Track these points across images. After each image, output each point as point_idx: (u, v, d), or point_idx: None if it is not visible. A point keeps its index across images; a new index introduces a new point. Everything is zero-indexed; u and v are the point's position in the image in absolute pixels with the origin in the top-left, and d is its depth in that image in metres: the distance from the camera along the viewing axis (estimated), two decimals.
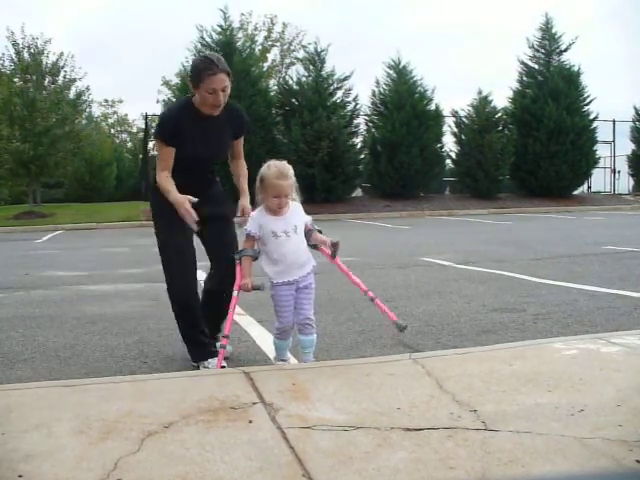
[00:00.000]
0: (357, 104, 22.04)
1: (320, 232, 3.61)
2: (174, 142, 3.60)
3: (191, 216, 3.42)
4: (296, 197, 3.52)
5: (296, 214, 3.51)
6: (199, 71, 3.47)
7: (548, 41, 23.75)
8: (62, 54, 21.96)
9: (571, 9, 62.01)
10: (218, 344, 3.57)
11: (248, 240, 3.50)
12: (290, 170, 3.42)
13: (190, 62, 16.85)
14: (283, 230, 3.43)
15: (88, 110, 25.93)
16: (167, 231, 3.71)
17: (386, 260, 8.69)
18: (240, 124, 3.80)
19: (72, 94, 22.69)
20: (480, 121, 22.29)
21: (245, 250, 3.51)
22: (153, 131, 3.89)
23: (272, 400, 2.79)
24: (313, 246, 3.59)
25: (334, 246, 3.55)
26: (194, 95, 3.59)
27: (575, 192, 24.35)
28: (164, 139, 3.61)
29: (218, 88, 3.46)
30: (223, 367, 3.44)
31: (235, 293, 3.50)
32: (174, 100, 4.07)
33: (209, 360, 3.64)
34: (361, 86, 48.82)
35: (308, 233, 3.55)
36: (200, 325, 3.76)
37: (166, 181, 3.58)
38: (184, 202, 3.44)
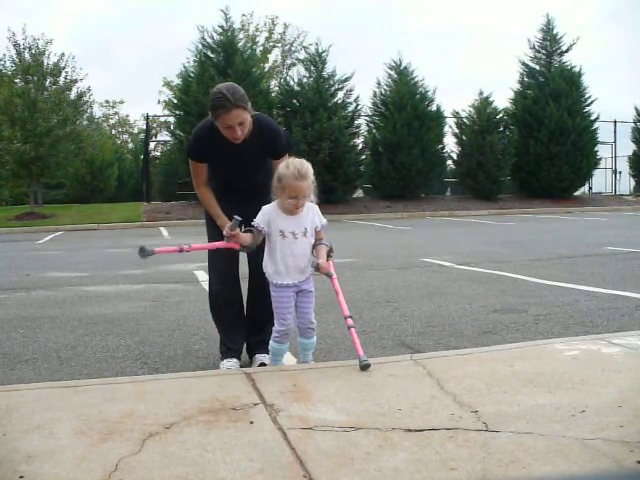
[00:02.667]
0: (358, 105, 22.08)
1: (330, 251, 3.48)
2: (204, 160, 3.66)
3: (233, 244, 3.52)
4: (313, 198, 3.41)
5: (309, 216, 3.41)
6: (214, 108, 3.43)
7: (549, 42, 23.76)
8: (63, 55, 21.95)
9: (572, 10, 62.06)
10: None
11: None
12: (310, 170, 3.29)
13: (191, 63, 16.66)
14: (291, 231, 3.35)
15: (89, 111, 25.90)
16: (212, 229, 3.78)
17: (387, 261, 8.69)
18: (274, 143, 3.63)
19: (73, 95, 22.67)
20: (481, 122, 22.29)
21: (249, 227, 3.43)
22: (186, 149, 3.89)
23: (273, 401, 2.79)
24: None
25: (323, 271, 3.39)
26: None
27: (576, 193, 24.36)
28: (192, 158, 3.69)
29: (234, 124, 3.41)
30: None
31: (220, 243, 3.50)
32: (202, 120, 4.06)
33: (228, 359, 3.68)
34: (362, 87, 48.78)
35: (315, 242, 3.44)
36: (228, 328, 3.76)
37: (208, 199, 3.68)
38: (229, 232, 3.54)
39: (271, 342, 3.50)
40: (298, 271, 3.38)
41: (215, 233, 3.71)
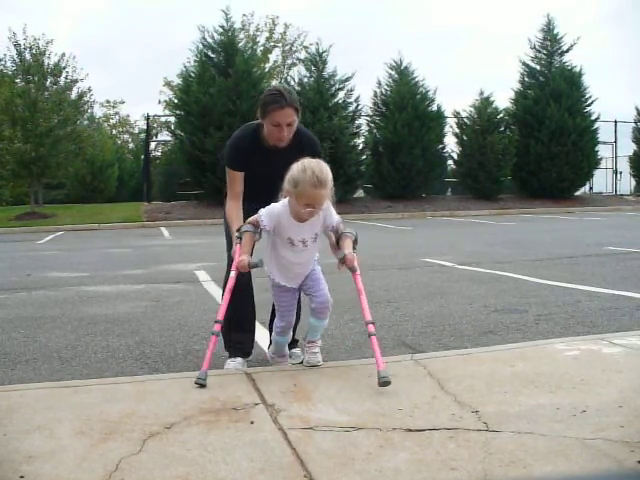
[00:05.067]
0: (359, 105, 22.11)
1: (355, 241, 3.30)
2: (241, 168, 3.59)
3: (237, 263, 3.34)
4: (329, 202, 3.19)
5: (320, 219, 3.20)
6: (267, 103, 3.38)
7: (550, 42, 23.74)
8: (64, 55, 21.92)
9: (572, 10, 62.06)
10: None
11: (257, 223, 3.22)
12: (329, 175, 3.01)
13: (192, 63, 16.66)
14: (301, 239, 3.19)
15: (90, 111, 25.87)
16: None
17: (388, 261, 8.68)
18: (312, 153, 3.44)
19: (74, 95, 22.64)
20: (482, 122, 22.29)
21: (248, 226, 3.24)
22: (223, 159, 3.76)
23: (274, 401, 2.79)
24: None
25: (349, 264, 3.22)
26: (263, 124, 3.50)
27: (577, 193, 24.36)
28: (231, 166, 3.62)
29: (283, 123, 3.37)
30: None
31: (232, 274, 3.26)
32: (243, 125, 4.04)
33: (234, 358, 3.62)
34: (362, 87, 48.77)
35: (337, 234, 3.29)
36: (240, 325, 3.66)
37: (235, 214, 3.55)
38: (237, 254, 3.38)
39: (274, 335, 3.51)
40: (301, 277, 3.32)
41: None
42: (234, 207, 3.61)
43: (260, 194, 3.51)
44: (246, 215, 3.50)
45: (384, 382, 2.88)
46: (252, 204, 3.56)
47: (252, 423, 2.55)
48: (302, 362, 3.52)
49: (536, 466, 2.10)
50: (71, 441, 2.40)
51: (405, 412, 2.62)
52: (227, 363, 3.62)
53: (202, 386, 2.99)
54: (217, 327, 3.19)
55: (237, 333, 3.68)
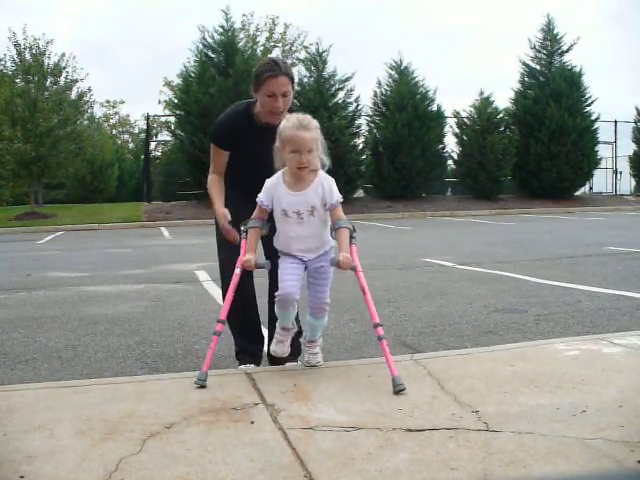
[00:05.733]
0: (359, 105, 22.06)
1: (353, 232, 3.16)
2: (227, 147, 3.51)
3: (229, 234, 3.32)
4: (325, 160, 3.08)
5: (318, 191, 3.04)
6: (261, 73, 3.28)
7: (550, 42, 23.72)
8: (64, 55, 21.90)
9: (572, 10, 62.08)
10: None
11: (259, 210, 3.15)
12: (313, 122, 3.00)
13: (192, 63, 16.62)
14: (295, 210, 3.04)
15: (90, 111, 25.85)
16: (225, 247, 3.51)
17: (388, 261, 8.68)
18: None
19: (74, 95, 22.63)
20: (482, 122, 22.28)
21: (253, 221, 3.16)
22: (209, 134, 3.70)
23: (274, 401, 2.79)
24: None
25: (346, 267, 3.04)
26: (255, 101, 3.42)
27: (577, 193, 24.34)
28: (216, 143, 3.54)
29: (278, 92, 3.26)
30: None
31: (237, 271, 3.15)
32: (234, 104, 3.91)
33: (246, 365, 3.52)
34: (362, 87, 48.69)
35: (334, 225, 3.10)
36: (247, 333, 3.63)
37: (214, 185, 3.51)
38: (223, 221, 3.33)
39: (275, 307, 3.28)
40: (303, 252, 3.13)
41: (229, 255, 3.43)
42: (215, 180, 3.54)
43: (251, 172, 3.41)
44: (242, 215, 3.35)
45: (400, 389, 2.83)
46: (239, 190, 3.46)
47: (252, 423, 2.55)
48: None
49: (536, 466, 2.10)
50: (71, 441, 2.40)
51: (405, 412, 2.62)
52: (239, 369, 3.56)
53: (202, 387, 2.99)
54: (219, 327, 3.15)
55: (246, 342, 3.64)
